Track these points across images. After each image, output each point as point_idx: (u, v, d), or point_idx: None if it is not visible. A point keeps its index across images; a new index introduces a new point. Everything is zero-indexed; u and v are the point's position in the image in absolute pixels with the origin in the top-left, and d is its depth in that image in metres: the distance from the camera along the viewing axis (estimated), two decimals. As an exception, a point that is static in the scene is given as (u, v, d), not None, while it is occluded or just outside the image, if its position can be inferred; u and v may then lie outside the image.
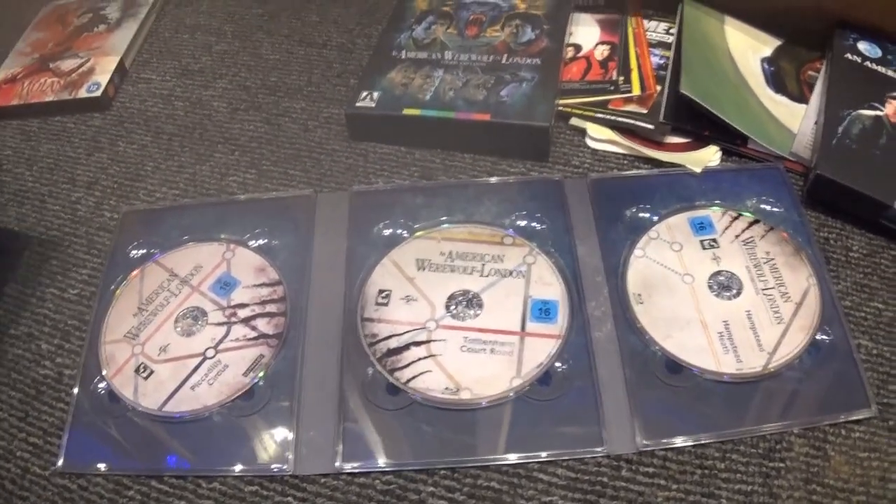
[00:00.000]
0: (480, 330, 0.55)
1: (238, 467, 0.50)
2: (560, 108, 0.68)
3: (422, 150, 0.68)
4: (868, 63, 0.66)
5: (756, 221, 0.59)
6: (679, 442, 0.49)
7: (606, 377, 0.52)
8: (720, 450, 0.49)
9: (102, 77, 0.78)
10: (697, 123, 0.65)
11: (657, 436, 0.49)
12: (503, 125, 0.65)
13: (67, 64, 0.81)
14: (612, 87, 0.69)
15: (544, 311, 0.55)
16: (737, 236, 0.58)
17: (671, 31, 0.73)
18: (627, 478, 0.48)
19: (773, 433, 0.49)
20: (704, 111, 0.63)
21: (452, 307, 0.56)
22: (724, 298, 0.55)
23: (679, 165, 0.63)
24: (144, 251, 0.62)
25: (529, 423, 0.51)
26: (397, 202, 0.63)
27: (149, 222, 0.65)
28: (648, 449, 0.49)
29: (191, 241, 0.63)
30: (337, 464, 0.50)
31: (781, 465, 0.48)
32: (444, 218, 0.61)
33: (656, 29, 0.74)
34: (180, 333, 0.57)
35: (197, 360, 0.55)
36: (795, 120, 0.65)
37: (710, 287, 0.56)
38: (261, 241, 0.62)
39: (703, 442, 0.49)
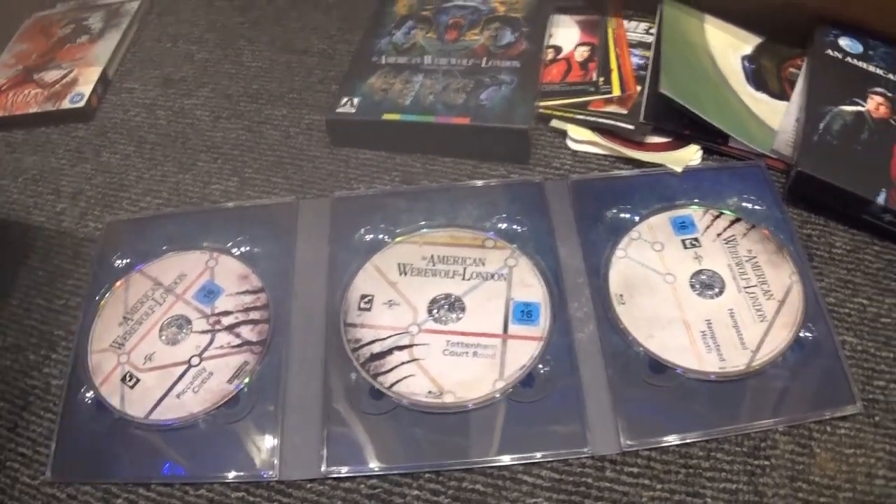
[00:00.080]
0: (463, 333, 0.55)
1: (224, 474, 0.51)
2: (540, 110, 0.68)
3: (403, 155, 0.69)
4: (849, 59, 0.66)
5: (738, 220, 0.59)
6: (663, 442, 0.49)
7: (589, 378, 0.52)
8: (704, 449, 0.49)
9: (85, 87, 0.78)
10: (678, 123, 0.64)
11: (641, 436, 0.49)
12: (483, 128, 0.65)
13: (51, 75, 0.81)
14: (592, 89, 0.69)
15: (526, 313, 0.55)
16: (718, 235, 0.58)
17: (651, 31, 0.73)
18: (612, 478, 0.48)
19: (757, 431, 0.49)
20: (684, 110, 0.63)
21: (435, 311, 0.56)
22: (707, 297, 0.55)
23: (660, 165, 0.63)
24: (129, 260, 0.62)
25: (513, 425, 0.51)
26: (379, 207, 0.63)
27: (133, 232, 0.65)
28: (632, 449, 0.49)
29: (174, 249, 0.63)
30: (322, 469, 0.50)
31: (766, 462, 0.48)
32: (425, 222, 0.61)
33: (636, 29, 0.74)
34: (165, 342, 0.57)
35: (182, 368, 0.55)
36: (776, 117, 0.65)
37: (693, 286, 0.55)
38: (244, 249, 0.62)
39: (687, 441, 0.49)
